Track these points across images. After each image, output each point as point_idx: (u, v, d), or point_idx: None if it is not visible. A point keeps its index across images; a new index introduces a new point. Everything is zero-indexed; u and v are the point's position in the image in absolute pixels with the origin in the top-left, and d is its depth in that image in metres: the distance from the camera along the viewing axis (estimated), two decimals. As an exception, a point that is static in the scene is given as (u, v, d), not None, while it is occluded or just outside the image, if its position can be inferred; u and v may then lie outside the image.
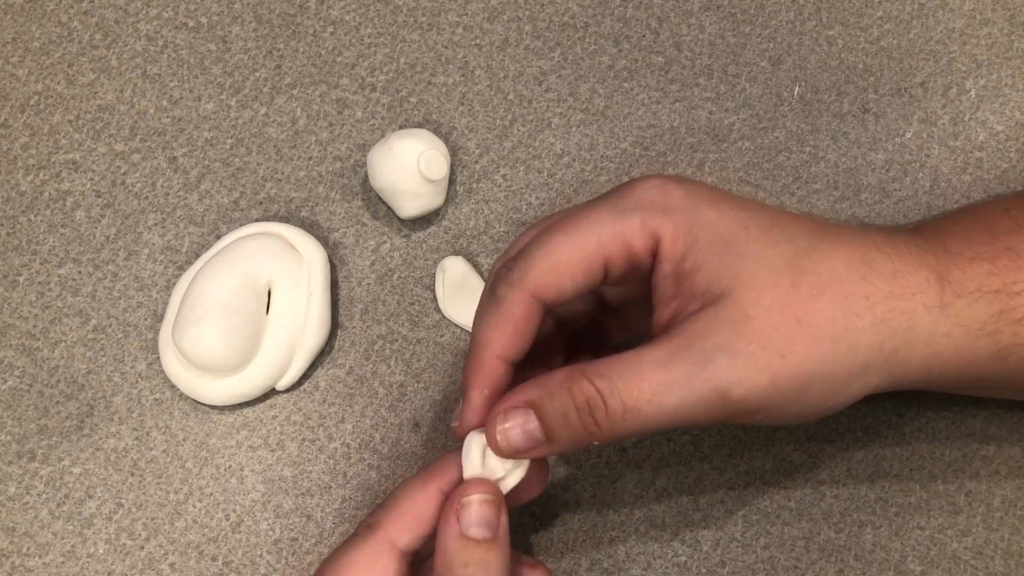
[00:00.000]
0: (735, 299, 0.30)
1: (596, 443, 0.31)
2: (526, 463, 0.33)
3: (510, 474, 0.32)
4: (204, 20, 0.46)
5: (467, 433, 0.33)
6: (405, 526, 0.32)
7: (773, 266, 0.31)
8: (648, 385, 0.30)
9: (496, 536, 0.31)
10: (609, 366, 0.30)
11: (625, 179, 0.43)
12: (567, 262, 0.31)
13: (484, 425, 0.32)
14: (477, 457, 0.32)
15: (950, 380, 0.33)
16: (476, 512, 0.31)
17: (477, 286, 0.41)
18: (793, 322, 0.30)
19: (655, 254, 0.32)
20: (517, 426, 0.31)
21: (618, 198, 0.32)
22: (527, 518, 0.40)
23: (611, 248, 0.31)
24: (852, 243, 0.32)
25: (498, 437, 0.31)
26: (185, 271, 0.42)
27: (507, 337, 0.32)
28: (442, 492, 0.33)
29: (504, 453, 0.32)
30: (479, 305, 0.33)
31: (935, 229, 0.35)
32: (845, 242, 0.32)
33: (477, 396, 0.33)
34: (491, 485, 0.32)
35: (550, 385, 0.31)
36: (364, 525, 0.33)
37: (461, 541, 0.31)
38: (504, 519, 0.32)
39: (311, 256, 0.41)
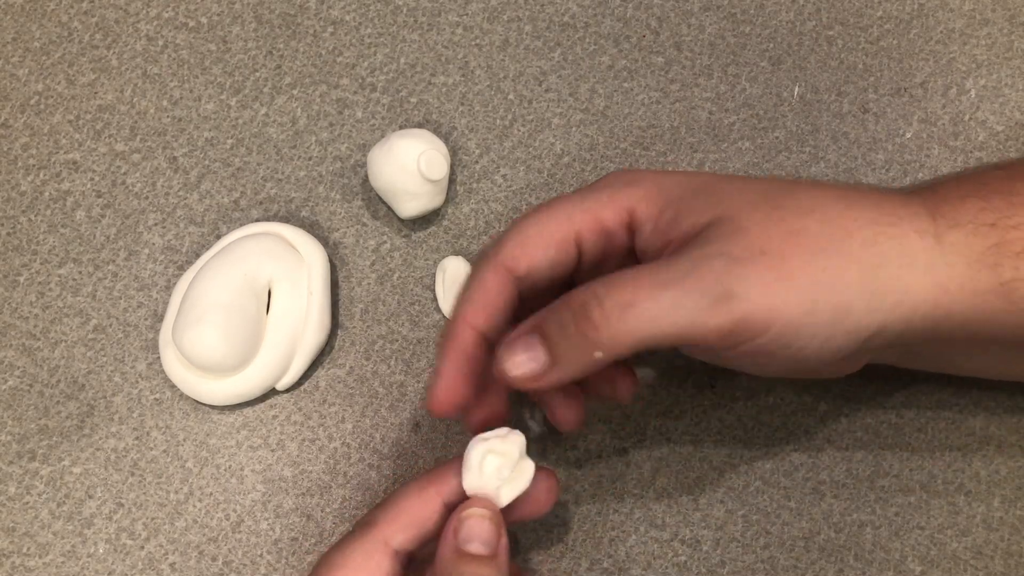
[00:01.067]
0: (725, 220, 0.30)
1: (600, 355, 0.30)
2: (529, 474, 0.33)
3: (509, 484, 0.32)
4: (204, 20, 0.46)
5: (442, 410, 0.33)
6: (400, 526, 0.33)
7: (753, 199, 0.31)
8: (646, 282, 0.29)
9: (495, 554, 0.31)
10: (606, 276, 0.30)
11: None
12: (537, 235, 0.32)
13: (459, 402, 0.32)
14: (477, 465, 0.32)
15: (962, 323, 0.31)
16: (474, 527, 0.31)
17: (477, 286, 0.41)
18: (787, 234, 0.30)
19: (631, 227, 0.32)
20: (523, 353, 0.31)
21: (588, 186, 0.34)
22: (527, 518, 0.40)
23: (581, 223, 0.32)
24: (830, 184, 0.32)
25: (506, 366, 0.31)
26: (185, 271, 0.42)
27: (479, 308, 0.32)
28: (440, 496, 0.33)
29: (515, 383, 0.31)
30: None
31: (920, 184, 0.35)
32: (822, 184, 0.33)
33: (450, 368, 0.32)
34: (491, 503, 0.32)
35: (552, 305, 0.31)
36: (361, 523, 0.33)
37: (458, 554, 0.31)
38: (504, 540, 0.32)
39: (311, 256, 0.41)
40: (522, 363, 0.31)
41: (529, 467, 0.33)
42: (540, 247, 0.32)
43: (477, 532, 0.31)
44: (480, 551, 0.31)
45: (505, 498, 0.32)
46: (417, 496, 0.33)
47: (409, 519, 0.33)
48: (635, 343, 0.29)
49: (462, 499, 0.33)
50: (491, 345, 0.33)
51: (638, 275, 0.30)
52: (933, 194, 0.32)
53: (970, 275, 0.31)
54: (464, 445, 0.33)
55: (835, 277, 0.30)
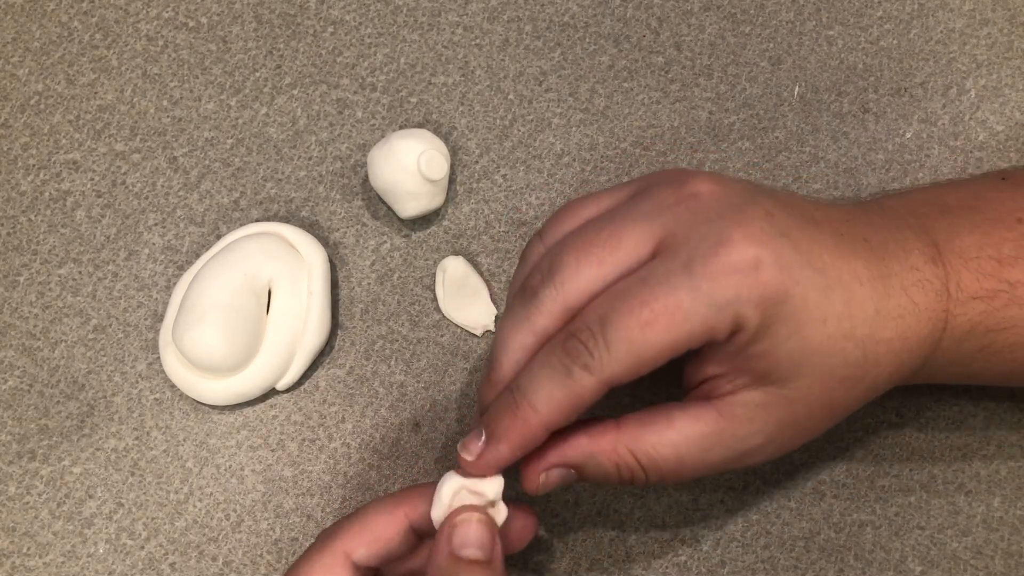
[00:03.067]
0: (788, 393, 0.31)
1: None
2: (501, 518, 0.32)
3: None
4: (204, 20, 0.46)
5: (478, 470, 0.32)
6: (363, 541, 0.33)
7: (834, 365, 0.31)
8: (690, 465, 0.32)
9: (490, 559, 0.31)
10: (656, 445, 0.32)
11: (625, 178, 0.43)
12: (653, 358, 0.30)
13: (493, 473, 0.32)
14: (447, 500, 0.32)
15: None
16: (468, 532, 0.31)
17: (477, 286, 0.41)
18: (827, 410, 0.32)
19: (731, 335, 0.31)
20: (556, 476, 0.33)
21: (711, 275, 0.30)
22: (527, 518, 0.40)
23: (698, 339, 0.30)
24: (901, 311, 0.32)
25: (537, 484, 0.33)
26: (185, 271, 0.42)
27: (566, 417, 0.31)
28: (408, 519, 0.33)
29: (536, 494, 0.33)
30: (542, 370, 0.31)
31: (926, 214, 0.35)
32: (898, 309, 0.32)
33: (508, 453, 0.32)
34: (483, 510, 0.32)
35: (596, 454, 0.32)
36: (324, 534, 0.33)
37: (453, 560, 0.31)
38: (499, 545, 0.32)
39: (311, 256, 0.41)
40: (553, 484, 0.33)
41: (502, 511, 0.32)
42: (651, 363, 0.31)
43: (472, 537, 0.31)
44: (476, 555, 0.31)
45: None
46: (385, 514, 0.33)
47: (373, 535, 0.33)
48: None
49: (429, 524, 0.32)
50: None
51: (684, 456, 0.32)
52: (950, 254, 0.33)
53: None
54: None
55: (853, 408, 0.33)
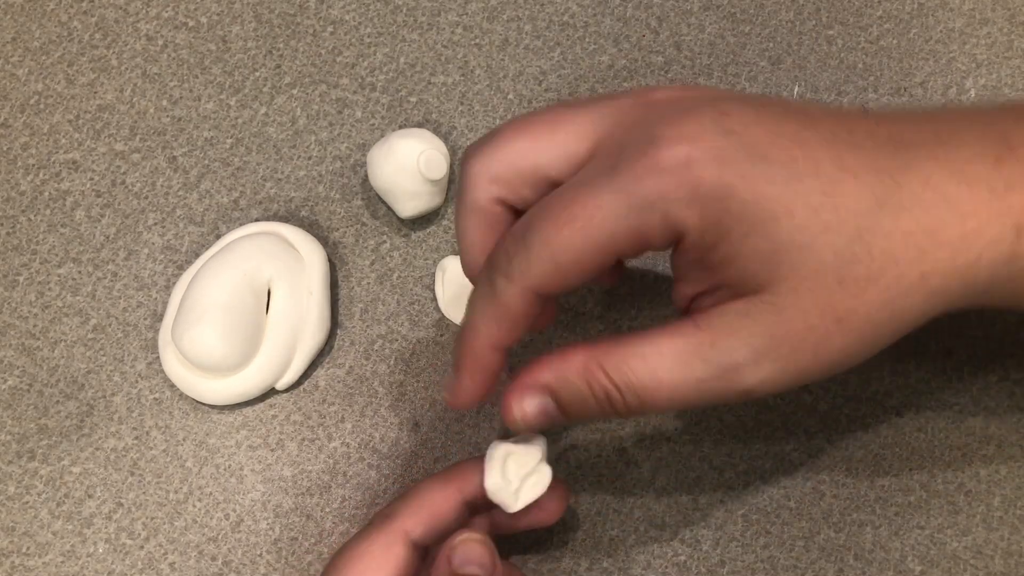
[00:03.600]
0: (771, 299, 0.28)
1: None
2: (547, 480, 0.33)
3: (527, 488, 0.33)
4: (204, 20, 0.46)
5: (458, 405, 0.32)
6: (420, 519, 0.33)
7: (820, 261, 0.27)
8: (668, 382, 0.29)
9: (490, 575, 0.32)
10: (627, 359, 0.29)
11: None
12: (574, 261, 0.28)
13: (474, 404, 0.32)
14: (499, 466, 0.33)
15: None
16: (469, 551, 0.32)
17: (477, 286, 0.41)
18: (833, 322, 0.28)
19: (677, 241, 0.29)
20: (534, 405, 0.31)
21: (635, 176, 0.28)
22: (527, 518, 0.40)
23: (624, 244, 0.28)
24: (922, 202, 0.28)
25: (515, 415, 0.31)
26: (185, 271, 0.42)
27: (503, 330, 0.30)
28: (461, 493, 0.34)
29: (522, 429, 0.31)
30: (475, 289, 0.31)
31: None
32: (917, 200, 0.28)
33: (469, 381, 0.32)
34: (483, 534, 0.33)
35: (567, 373, 0.30)
36: (381, 515, 0.34)
37: None
38: (499, 565, 0.32)
39: (311, 256, 0.41)
40: (533, 416, 0.31)
41: (547, 473, 0.33)
42: (575, 272, 0.29)
43: (473, 556, 0.32)
44: (477, 572, 0.31)
45: (522, 501, 0.33)
46: (439, 491, 0.34)
47: (429, 513, 0.33)
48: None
49: (482, 497, 0.33)
50: (508, 350, 0.32)
51: (661, 372, 0.29)
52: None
53: None
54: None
55: (874, 347, 0.29)
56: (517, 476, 0.33)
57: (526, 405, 0.31)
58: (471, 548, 0.32)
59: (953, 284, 0.28)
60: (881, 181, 0.28)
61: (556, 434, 0.40)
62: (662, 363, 0.29)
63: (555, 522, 0.35)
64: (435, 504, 0.34)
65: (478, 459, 0.34)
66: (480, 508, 0.35)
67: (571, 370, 0.30)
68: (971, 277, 0.28)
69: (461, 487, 0.34)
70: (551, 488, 0.34)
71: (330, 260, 0.42)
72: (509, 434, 0.33)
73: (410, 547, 0.33)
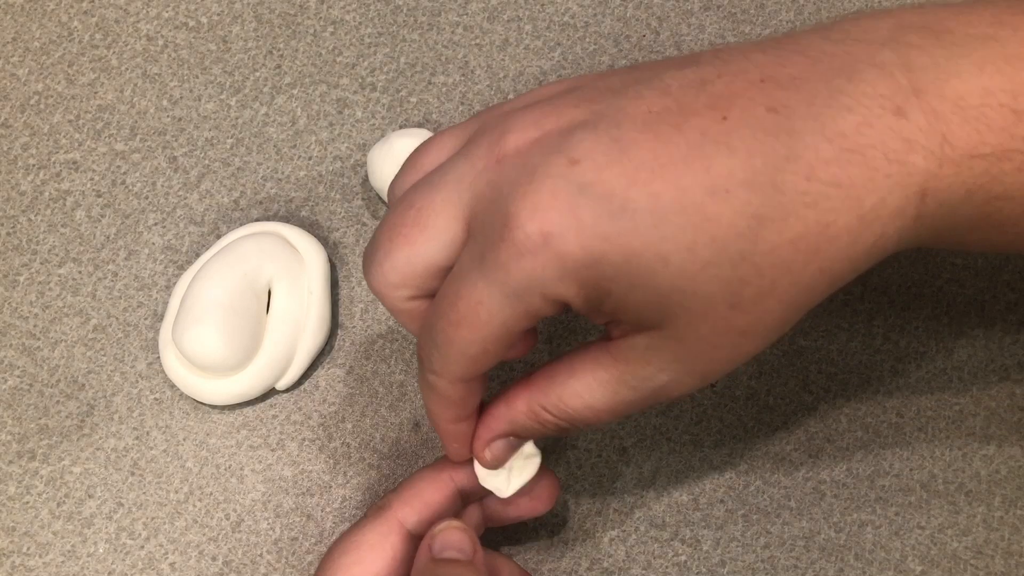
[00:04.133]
0: (671, 333, 0.27)
1: None
2: (536, 464, 0.34)
3: (518, 473, 0.34)
4: (204, 20, 0.46)
5: (462, 459, 0.34)
6: (414, 509, 0.34)
7: (707, 295, 0.26)
8: (604, 409, 0.30)
9: (470, 561, 0.32)
10: (563, 397, 0.30)
11: None
12: (480, 352, 0.29)
13: (470, 454, 0.34)
14: None
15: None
16: (448, 538, 0.32)
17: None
18: (738, 335, 0.28)
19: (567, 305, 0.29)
20: (499, 447, 0.33)
21: (500, 264, 0.27)
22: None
23: (517, 325, 0.28)
24: (810, 200, 0.26)
25: (487, 458, 0.33)
26: (185, 271, 0.42)
27: (455, 410, 0.32)
28: (454, 482, 0.34)
29: (496, 467, 0.33)
30: (419, 382, 0.33)
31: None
32: (803, 200, 0.26)
33: (456, 445, 0.33)
34: (461, 522, 0.34)
35: (517, 418, 0.32)
36: (376, 506, 0.35)
37: (433, 562, 0.32)
38: (479, 552, 0.33)
39: (311, 256, 0.41)
40: (502, 455, 0.33)
41: (536, 458, 0.34)
42: (484, 359, 0.30)
43: (452, 541, 0.32)
44: (457, 557, 0.32)
45: (514, 485, 0.34)
46: (432, 481, 0.34)
47: (423, 502, 0.34)
48: None
49: (475, 486, 0.34)
50: (476, 408, 0.33)
51: (595, 403, 0.30)
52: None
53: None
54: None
55: (783, 332, 0.28)
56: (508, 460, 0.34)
57: (493, 449, 0.33)
58: (451, 534, 0.33)
59: (858, 263, 0.27)
60: (755, 194, 0.26)
61: (556, 434, 0.40)
62: (593, 395, 0.30)
63: (547, 511, 0.36)
64: (428, 494, 0.34)
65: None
66: (473, 497, 0.35)
67: (519, 415, 0.32)
68: (877, 250, 0.27)
69: (453, 476, 0.34)
70: (542, 478, 0.35)
71: (330, 260, 0.42)
72: None
73: (405, 536, 0.34)
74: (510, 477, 0.34)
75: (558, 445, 0.40)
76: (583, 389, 0.30)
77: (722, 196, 0.26)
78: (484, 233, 0.28)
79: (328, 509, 0.40)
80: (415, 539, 0.34)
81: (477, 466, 0.33)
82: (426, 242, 0.29)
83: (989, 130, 0.26)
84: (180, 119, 0.44)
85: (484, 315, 0.28)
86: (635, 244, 0.26)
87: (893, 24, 0.28)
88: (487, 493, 0.34)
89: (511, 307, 0.27)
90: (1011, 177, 0.26)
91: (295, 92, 0.45)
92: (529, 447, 0.34)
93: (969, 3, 0.28)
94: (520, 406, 0.32)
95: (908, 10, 0.28)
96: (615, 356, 0.29)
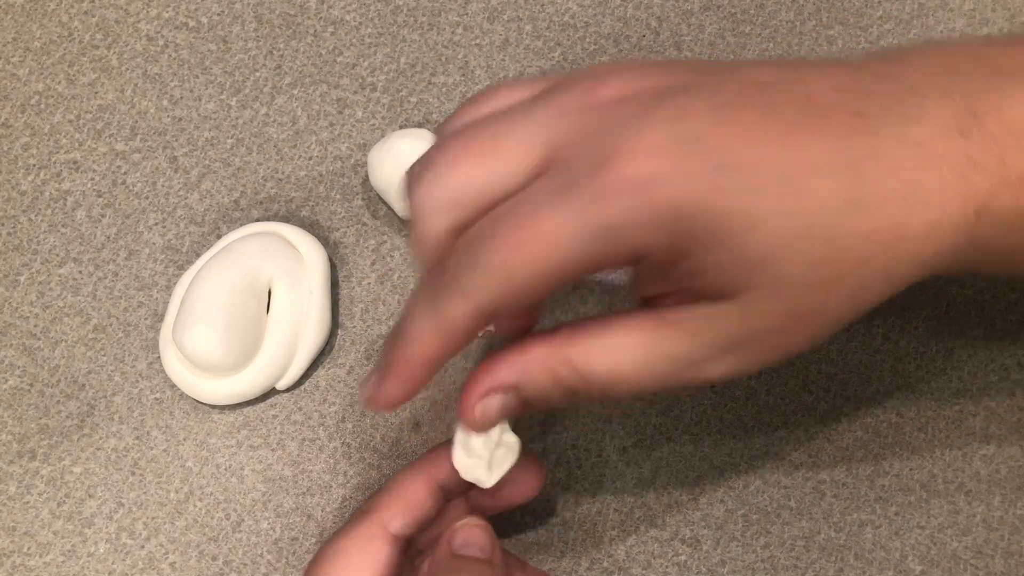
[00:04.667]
0: (737, 305, 0.27)
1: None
2: (516, 449, 0.33)
3: (498, 461, 0.33)
4: (204, 20, 0.46)
5: (377, 409, 0.31)
6: (397, 511, 0.33)
7: (790, 269, 0.26)
8: (632, 377, 0.28)
9: (489, 559, 0.32)
10: (590, 353, 0.28)
11: None
12: (526, 285, 0.27)
13: (393, 409, 0.31)
14: (462, 444, 0.32)
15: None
16: (469, 535, 0.32)
17: (477, 286, 0.41)
18: (796, 321, 0.28)
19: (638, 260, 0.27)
20: (495, 403, 0.30)
21: (591, 197, 0.26)
22: (528, 517, 0.40)
23: (579, 269, 0.27)
24: (891, 196, 0.27)
25: (476, 414, 0.30)
26: (185, 271, 0.42)
27: (443, 345, 0.29)
28: (434, 480, 0.34)
29: (480, 428, 0.31)
30: (416, 300, 0.29)
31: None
32: (886, 194, 0.26)
33: (394, 388, 0.30)
34: (484, 518, 0.33)
35: (530, 370, 0.29)
36: (359, 511, 0.34)
37: (454, 558, 0.32)
38: (499, 550, 0.32)
39: (311, 256, 0.41)
40: (493, 413, 0.30)
41: (515, 442, 0.33)
42: (525, 295, 0.28)
43: (473, 539, 0.32)
44: (477, 555, 0.32)
45: (495, 474, 0.33)
46: (412, 481, 0.34)
47: (406, 504, 0.33)
48: None
49: (457, 480, 0.33)
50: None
51: (625, 366, 0.28)
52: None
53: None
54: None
55: (849, 320, 0.28)
56: (485, 449, 0.32)
57: (486, 405, 0.30)
58: (471, 532, 0.32)
59: (914, 272, 0.28)
60: (849, 178, 0.26)
61: (558, 434, 0.40)
62: (625, 358, 0.28)
63: (534, 496, 0.35)
64: (410, 494, 0.34)
65: (447, 443, 0.34)
66: (455, 492, 0.35)
67: (534, 366, 0.29)
68: (933, 263, 0.28)
69: (433, 473, 0.34)
70: (525, 462, 0.33)
71: (331, 260, 0.42)
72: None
73: (390, 540, 0.33)
74: (491, 467, 0.32)
75: (558, 445, 0.40)
76: (614, 349, 0.28)
77: (822, 173, 0.26)
78: (573, 168, 0.26)
79: (328, 509, 0.40)
80: (400, 542, 0.33)
81: (458, 459, 0.32)
82: (496, 164, 0.28)
83: None
84: (180, 119, 0.44)
85: (555, 245, 0.26)
86: (733, 203, 0.26)
87: (944, 53, 0.29)
88: (469, 486, 0.33)
89: (587, 244, 0.26)
90: None
91: (295, 92, 0.45)
92: (509, 435, 0.32)
93: (1011, 38, 0.30)
94: (536, 355, 0.29)
95: (956, 46, 0.30)
96: (663, 320, 0.28)
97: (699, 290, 0.27)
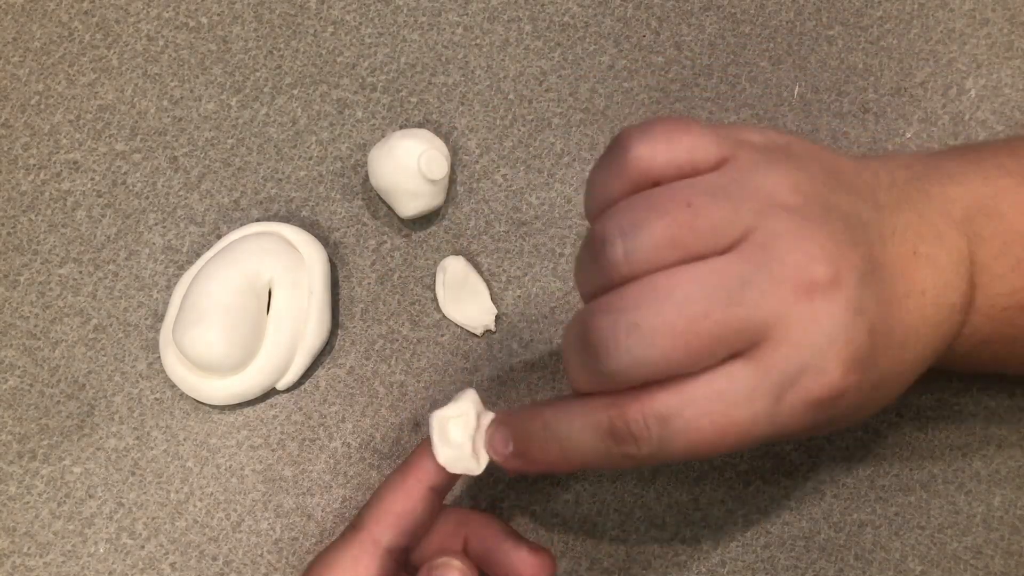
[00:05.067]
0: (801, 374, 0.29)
1: None
2: (488, 417, 0.33)
3: (481, 441, 0.33)
4: (204, 20, 0.46)
5: (508, 467, 0.32)
6: (388, 524, 0.33)
7: (846, 349, 0.28)
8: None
9: None
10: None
11: None
12: (692, 456, 0.28)
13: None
14: (440, 436, 0.32)
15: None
16: (441, 575, 0.32)
17: (477, 286, 0.42)
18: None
19: None
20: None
21: (796, 410, 0.28)
22: (527, 517, 0.40)
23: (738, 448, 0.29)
24: (928, 292, 0.30)
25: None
26: (186, 271, 0.42)
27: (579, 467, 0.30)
28: (422, 484, 0.33)
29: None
30: (583, 421, 0.29)
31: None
32: (920, 288, 0.30)
33: (527, 471, 0.32)
34: (463, 558, 0.33)
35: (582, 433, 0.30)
36: (349, 526, 0.34)
37: None
38: None
39: (311, 256, 0.41)
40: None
41: (487, 417, 0.33)
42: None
43: None
44: None
45: (484, 459, 0.32)
46: (399, 489, 0.33)
47: (395, 516, 0.33)
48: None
49: (444, 478, 0.33)
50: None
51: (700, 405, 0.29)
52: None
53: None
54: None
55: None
56: (466, 437, 0.32)
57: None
58: (446, 572, 0.32)
59: (920, 369, 0.32)
60: (901, 355, 0.30)
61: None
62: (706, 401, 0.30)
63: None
64: (398, 503, 0.33)
65: (425, 443, 0.33)
66: (446, 488, 0.34)
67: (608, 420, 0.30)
68: (929, 363, 0.32)
69: (419, 476, 0.33)
70: (528, 560, 0.34)
71: (331, 260, 0.42)
72: (439, 406, 0.33)
73: (381, 554, 0.33)
74: (477, 453, 0.32)
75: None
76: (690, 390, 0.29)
77: (903, 379, 0.31)
78: (782, 367, 0.27)
79: (328, 509, 0.40)
80: (392, 554, 0.33)
81: (441, 454, 0.32)
82: (695, 241, 0.28)
83: (1003, 325, 0.32)
84: (180, 119, 0.44)
85: (747, 439, 0.28)
86: (854, 398, 0.29)
87: (969, 201, 0.33)
88: (459, 480, 0.33)
89: (765, 435, 0.28)
90: (1000, 348, 0.33)
91: (295, 92, 0.45)
92: (487, 415, 0.33)
93: (1021, 180, 0.33)
94: (595, 411, 0.30)
95: (978, 181, 0.33)
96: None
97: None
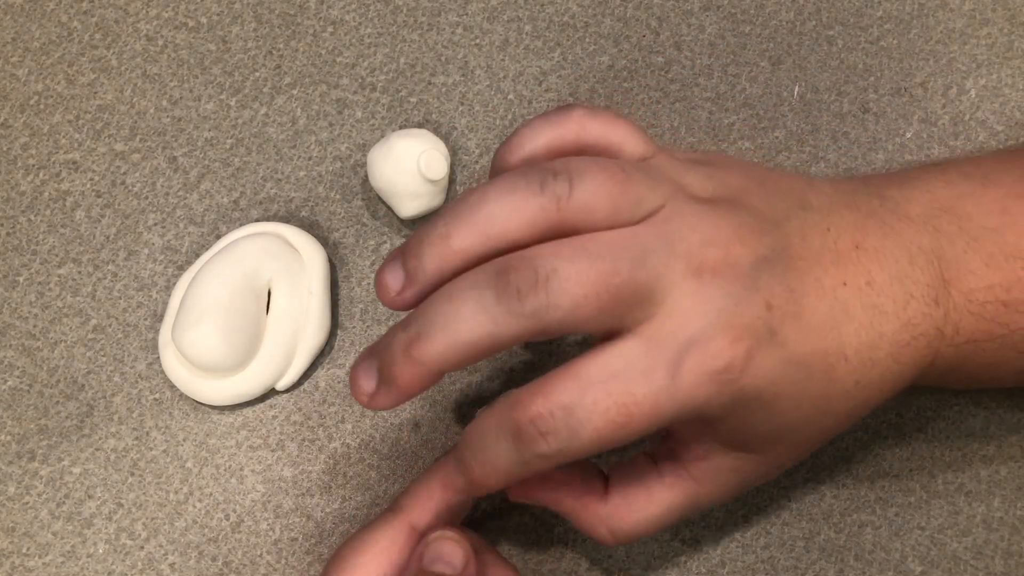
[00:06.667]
0: (758, 457, 0.32)
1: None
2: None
3: None
4: (204, 20, 0.46)
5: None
6: (426, 509, 0.34)
7: (808, 437, 0.33)
8: (650, 532, 0.34)
9: (459, 574, 0.32)
10: (636, 521, 0.33)
11: None
12: (613, 444, 0.29)
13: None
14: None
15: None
16: (440, 548, 0.32)
17: (477, 286, 0.41)
18: (796, 459, 0.34)
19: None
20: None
21: (694, 380, 0.29)
22: (527, 517, 0.40)
23: (656, 428, 0.30)
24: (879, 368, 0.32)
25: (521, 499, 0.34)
26: (185, 271, 0.42)
27: (509, 483, 0.31)
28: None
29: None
30: (487, 427, 0.30)
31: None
32: (886, 377, 0.32)
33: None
34: (458, 531, 0.33)
35: (580, 516, 0.34)
36: (388, 509, 0.34)
37: (421, 574, 0.31)
38: (472, 564, 0.32)
39: (311, 256, 0.41)
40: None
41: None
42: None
43: (443, 554, 0.32)
44: (445, 571, 0.31)
45: None
46: (443, 478, 0.34)
47: (434, 501, 0.34)
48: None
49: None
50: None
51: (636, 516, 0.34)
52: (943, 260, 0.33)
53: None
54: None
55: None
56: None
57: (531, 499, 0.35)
58: (442, 545, 0.32)
59: (887, 394, 0.33)
60: (861, 363, 0.31)
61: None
62: (662, 522, 0.33)
63: None
64: (439, 492, 0.34)
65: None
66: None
67: (584, 519, 0.34)
68: (900, 387, 0.33)
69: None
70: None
71: (330, 260, 0.42)
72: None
73: (415, 539, 0.33)
74: None
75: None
76: (658, 514, 0.33)
77: (847, 360, 0.31)
78: (675, 341, 0.29)
79: (328, 510, 0.40)
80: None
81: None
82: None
83: (986, 321, 0.33)
84: (180, 119, 0.44)
85: (654, 417, 0.29)
86: (788, 389, 0.30)
87: (929, 200, 0.34)
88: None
89: (675, 414, 0.29)
90: (992, 353, 0.33)
91: (295, 92, 0.45)
92: None
93: (984, 182, 0.34)
94: (590, 514, 0.33)
95: (939, 184, 0.34)
96: (697, 481, 0.33)
97: (729, 442, 0.32)
